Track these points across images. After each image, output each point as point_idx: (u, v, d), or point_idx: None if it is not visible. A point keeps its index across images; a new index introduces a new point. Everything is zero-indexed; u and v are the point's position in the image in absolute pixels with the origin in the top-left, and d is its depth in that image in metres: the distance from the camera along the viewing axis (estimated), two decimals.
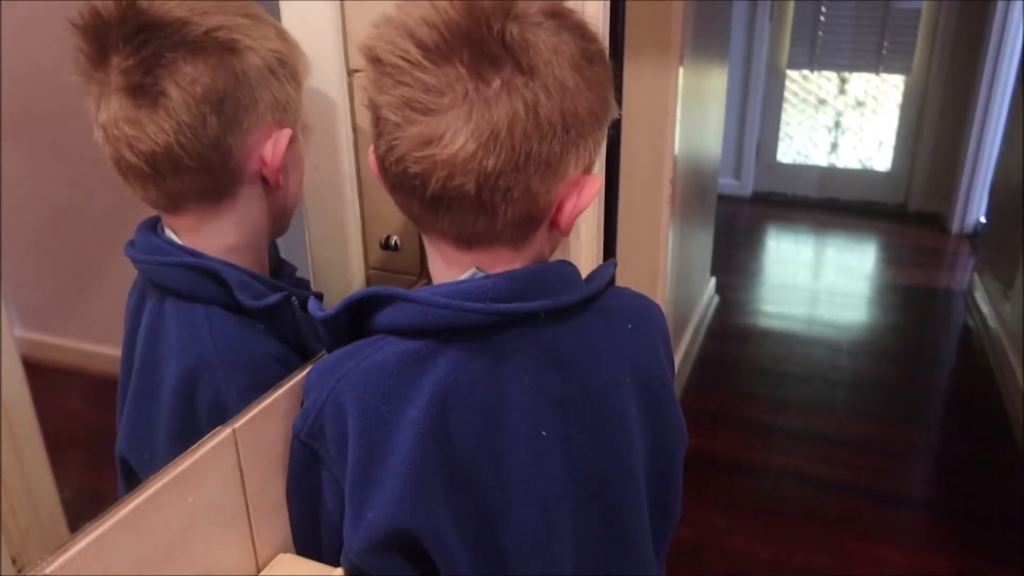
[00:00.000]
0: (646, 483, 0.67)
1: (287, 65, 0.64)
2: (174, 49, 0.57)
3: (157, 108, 0.57)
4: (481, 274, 0.58)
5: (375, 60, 0.52)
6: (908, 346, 2.75)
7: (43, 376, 0.74)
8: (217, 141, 0.60)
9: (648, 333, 0.66)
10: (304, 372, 0.62)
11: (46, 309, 0.87)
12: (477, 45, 0.50)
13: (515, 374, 0.57)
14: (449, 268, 0.59)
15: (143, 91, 0.57)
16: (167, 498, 0.52)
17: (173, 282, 0.64)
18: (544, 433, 0.59)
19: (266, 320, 0.65)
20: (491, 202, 0.53)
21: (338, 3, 0.74)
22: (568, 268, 0.61)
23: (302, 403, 0.61)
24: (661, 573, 0.73)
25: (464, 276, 0.58)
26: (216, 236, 0.65)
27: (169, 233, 0.65)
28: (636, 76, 1.77)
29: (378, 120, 0.54)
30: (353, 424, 0.56)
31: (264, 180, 0.65)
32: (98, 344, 0.86)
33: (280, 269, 0.76)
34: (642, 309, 0.67)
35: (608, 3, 0.76)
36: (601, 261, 0.86)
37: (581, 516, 0.62)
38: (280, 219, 0.70)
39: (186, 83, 0.57)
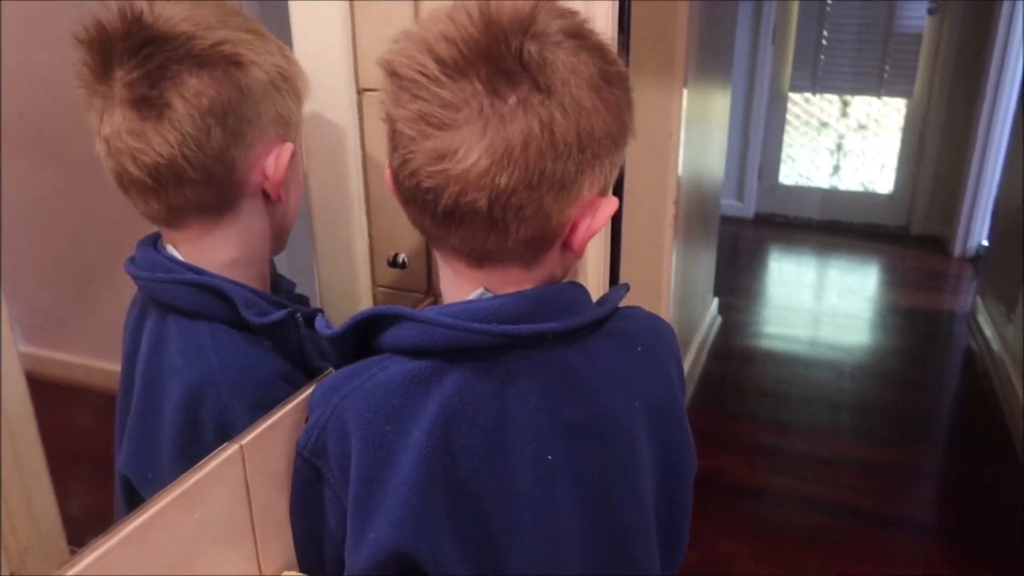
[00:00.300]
0: (655, 508, 0.66)
1: (289, 80, 0.65)
2: (179, 62, 0.57)
3: (162, 120, 0.58)
4: (489, 294, 0.57)
5: (393, 74, 0.53)
6: (911, 369, 2.74)
7: (45, 391, 0.74)
8: (221, 154, 0.60)
9: (659, 355, 0.66)
10: (311, 388, 0.62)
11: (49, 324, 0.87)
12: (494, 62, 0.50)
13: (521, 396, 0.57)
14: (459, 286, 0.59)
15: (148, 103, 0.57)
16: (173, 514, 0.51)
17: (175, 299, 0.63)
18: (550, 457, 0.58)
19: (271, 337, 0.65)
20: (503, 219, 0.52)
21: (349, 23, 0.75)
22: (578, 290, 0.61)
23: (306, 420, 0.60)
24: None
25: (472, 295, 0.58)
26: (217, 250, 0.65)
27: (170, 249, 0.65)
28: (640, 98, 1.77)
29: (394, 133, 0.54)
30: (356, 443, 0.56)
31: (265, 194, 0.66)
32: (101, 360, 0.86)
33: (279, 285, 0.76)
34: (653, 330, 0.67)
35: (616, 21, 0.77)
36: (607, 282, 0.86)
37: (588, 541, 0.61)
38: (280, 234, 0.71)
39: (191, 96, 0.58)
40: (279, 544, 0.63)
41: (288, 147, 0.65)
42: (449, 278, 0.60)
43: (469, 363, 0.56)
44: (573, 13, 0.55)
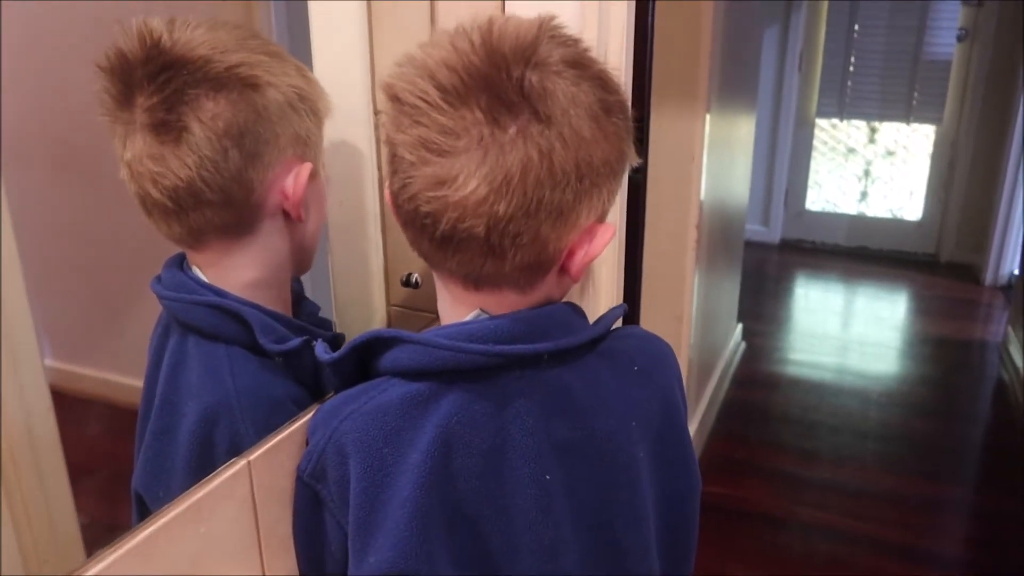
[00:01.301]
0: (657, 529, 0.66)
1: (307, 101, 0.66)
2: (196, 86, 0.58)
3: (180, 144, 0.59)
4: (486, 315, 0.58)
5: (394, 98, 0.53)
6: (940, 398, 2.69)
7: (69, 405, 0.75)
8: (239, 175, 0.61)
9: (656, 374, 0.65)
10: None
11: (76, 339, 0.89)
12: (495, 91, 0.50)
13: (518, 417, 0.57)
14: (456, 308, 0.59)
15: (166, 128, 0.58)
16: (179, 528, 0.52)
17: (196, 320, 0.64)
18: (548, 476, 0.58)
19: (286, 363, 0.66)
20: (500, 246, 0.53)
21: (367, 45, 0.76)
22: (573, 311, 0.61)
23: (306, 443, 0.61)
24: None
25: (469, 317, 0.58)
26: (238, 271, 0.66)
27: (195, 270, 0.66)
28: (663, 122, 1.78)
29: (394, 157, 0.55)
30: (355, 466, 0.56)
31: (286, 214, 0.66)
32: (125, 375, 0.88)
33: (302, 307, 0.76)
34: (650, 350, 0.67)
35: (632, 47, 0.78)
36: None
37: (586, 562, 0.61)
38: (302, 255, 0.71)
39: (208, 119, 0.59)
40: (285, 561, 0.63)
41: (307, 167, 0.65)
42: (446, 300, 0.61)
43: (466, 384, 0.56)
44: (575, 41, 0.55)
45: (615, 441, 0.61)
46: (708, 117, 1.83)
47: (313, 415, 0.61)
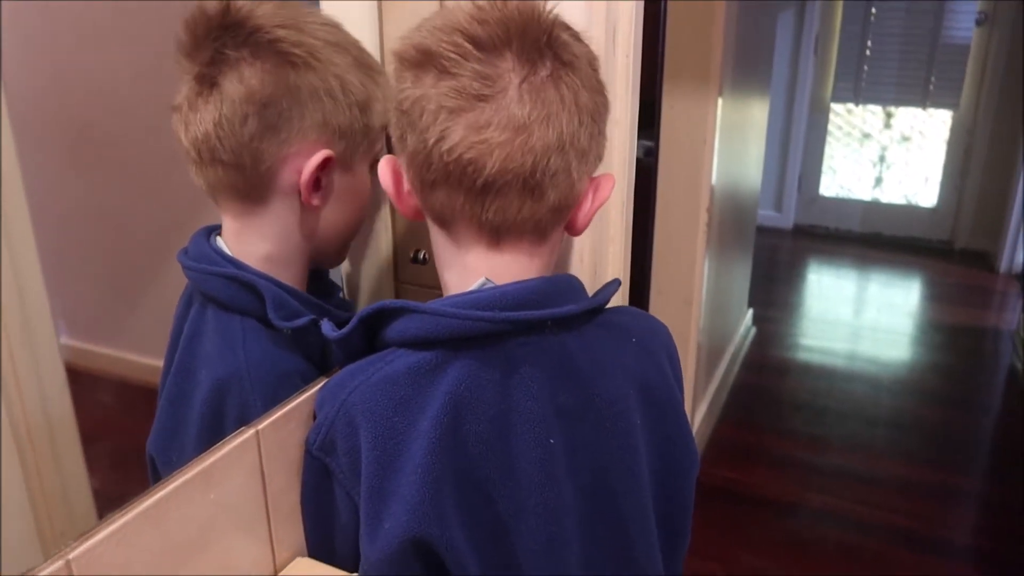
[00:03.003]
0: (655, 499, 0.67)
1: (354, 95, 0.66)
2: (238, 49, 0.61)
3: (210, 99, 0.62)
4: (491, 284, 0.59)
5: (426, 53, 0.55)
6: (952, 386, 2.67)
7: (84, 383, 0.76)
8: (251, 142, 0.62)
9: (653, 349, 0.67)
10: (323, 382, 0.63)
11: (90, 319, 0.90)
12: (528, 38, 0.55)
13: (523, 382, 0.58)
14: (463, 278, 0.61)
15: (204, 80, 0.62)
16: (189, 493, 0.53)
17: (214, 291, 0.66)
18: (552, 440, 0.59)
19: (294, 339, 0.67)
20: (540, 185, 0.56)
21: (377, 26, 0.77)
22: (573, 281, 0.63)
23: (314, 417, 0.62)
24: None
25: (474, 286, 0.60)
26: (253, 243, 0.67)
27: (220, 242, 0.68)
28: (674, 105, 1.78)
29: (422, 114, 0.55)
30: (365, 436, 0.57)
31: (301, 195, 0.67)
32: (140, 354, 0.89)
33: (327, 289, 0.77)
34: (647, 327, 0.69)
35: (641, 29, 0.77)
36: (628, 290, 0.86)
37: (587, 525, 0.62)
38: (320, 243, 0.71)
39: (238, 81, 0.61)
40: (294, 530, 0.64)
41: (321, 153, 0.65)
42: (454, 270, 0.62)
43: (473, 351, 0.57)
44: None
45: (615, 408, 0.62)
46: (720, 101, 1.82)
47: (320, 389, 0.61)
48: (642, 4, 0.77)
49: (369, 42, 0.77)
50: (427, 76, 0.55)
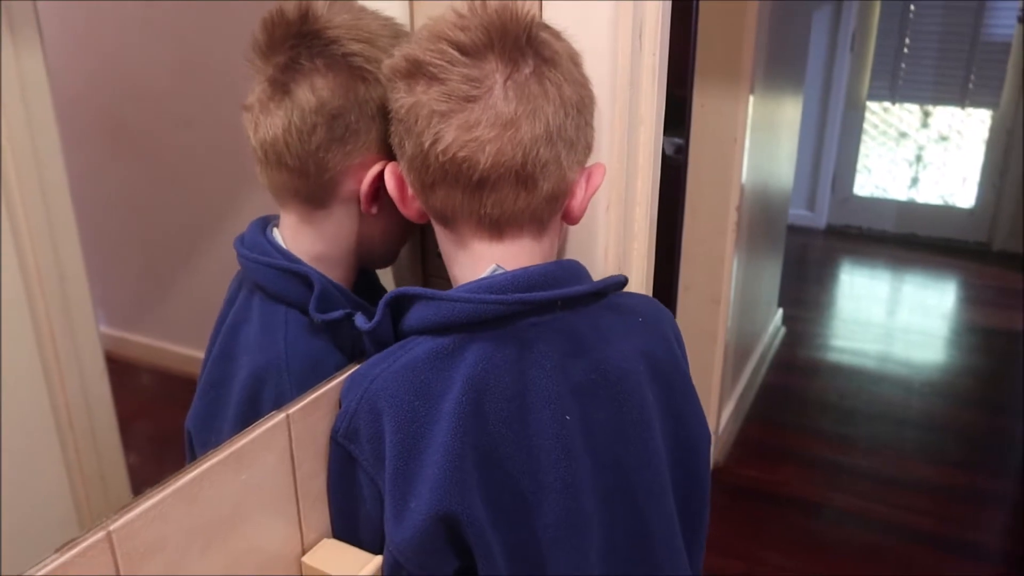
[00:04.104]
0: (674, 477, 0.68)
1: None
2: (313, 59, 0.63)
3: (281, 104, 0.63)
4: (501, 270, 0.62)
5: (415, 63, 0.58)
6: (984, 389, 2.63)
7: (122, 371, 0.79)
8: (318, 152, 0.64)
9: (660, 328, 0.70)
10: (352, 369, 0.65)
11: (128, 309, 0.93)
12: (509, 39, 0.58)
13: (538, 362, 0.61)
14: (474, 267, 0.63)
15: (277, 85, 0.64)
16: (221, 473, 0.55)
17: (263, 280, 0.68)
18: (568, 417, 0.61)
19: (331, 332, 0.69)
20: (532, 176, 0.59)
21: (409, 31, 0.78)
22: (578, 265, 0.66)
23: (339, 406, 0.64)
24: (695, 569, 0.74)
25: (486, 273, 0.62)
26: (309, 242, 0.70)
27: (275, 234, 0.70)
28: (704, 102, 1.77)
29: (416, 120, 0.59)
30: (389, 422, 0.59)
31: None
32: (176, 344, 0.92)
33: (373, 288, 0.79)
34: (651, 308, 0.71)
35: (668, 26, 0.78)
36: (651, 287, 0.87)
37: (604, 500, 0.64)
38: (370, 247, 0.73)
39: (310, 91, 0.63)
40: (322, 513, 0.66)
41: (379, 165, 0.67)
42: (464, 261, 0.64)
43: (488, 334, 0.60)
44: None
45: (627, 382, 0.64)
46: (752, 98, 1.81)
47: (344, 380, 0.64)
48: (669, 3, 0.77)
49: None
50: (418, 84, 0.59)
